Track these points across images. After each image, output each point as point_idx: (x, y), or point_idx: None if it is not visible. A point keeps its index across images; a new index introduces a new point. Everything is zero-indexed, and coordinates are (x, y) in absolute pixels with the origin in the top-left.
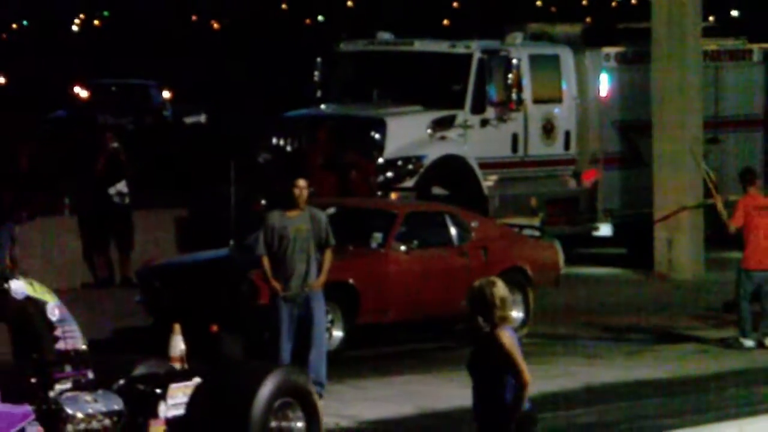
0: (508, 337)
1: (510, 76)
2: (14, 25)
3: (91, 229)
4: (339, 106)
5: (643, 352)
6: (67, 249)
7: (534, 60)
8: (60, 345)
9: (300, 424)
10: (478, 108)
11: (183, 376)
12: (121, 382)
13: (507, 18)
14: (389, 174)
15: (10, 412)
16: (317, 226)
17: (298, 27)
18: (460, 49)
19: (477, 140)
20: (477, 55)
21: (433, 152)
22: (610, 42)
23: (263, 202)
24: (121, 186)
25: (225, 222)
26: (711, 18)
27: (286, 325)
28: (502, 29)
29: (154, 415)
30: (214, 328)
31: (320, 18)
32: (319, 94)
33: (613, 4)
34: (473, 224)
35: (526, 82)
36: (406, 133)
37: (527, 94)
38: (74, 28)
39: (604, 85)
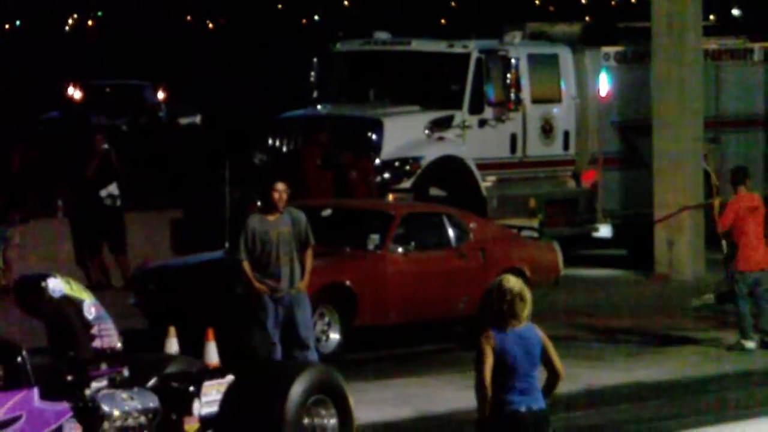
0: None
1: (508, 75)
2: (7, 26)
3: (83, 231)
4: (335, 106)
5: (644, 354)
6: (61, 251)
7: (533, 59)
8: (96, 343)
9: (333, 421)
10: (476, 108)
11: (216, 373)
12: (156, 379)
13: (505, 17)
14: (386, 175)
15: (48, 409)
16: (297, 227)
17: (294, 27)
18: (458, 48)
19: (475, 141)
20: (475, 55)
21: (430, 153)
22: (609, 41)
23: (259, 203)
24: (113, 188)
25: (220, 224)
26: (711, 17)
27: (272, 324)
28: (500, 28)
29: (189, 412)
30: (210, 331)
31: (316, 18)
32: (315, 94)
33: (613, 3)
34: (471, 225)
35: (525, 81)
36: (404, 133)
37: (526, 94)
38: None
39: (604, 84)
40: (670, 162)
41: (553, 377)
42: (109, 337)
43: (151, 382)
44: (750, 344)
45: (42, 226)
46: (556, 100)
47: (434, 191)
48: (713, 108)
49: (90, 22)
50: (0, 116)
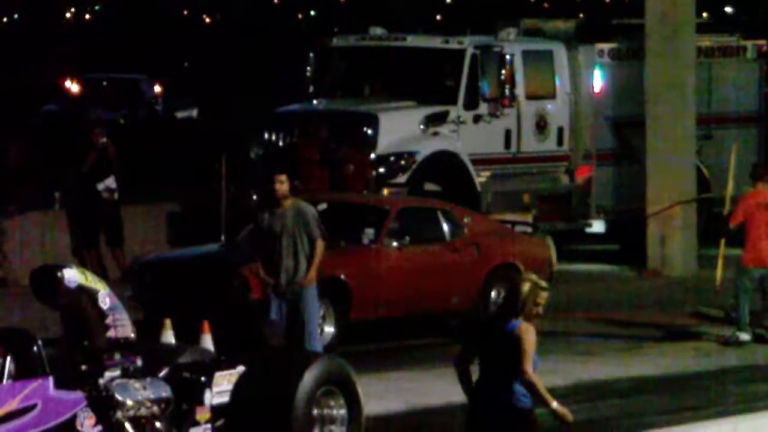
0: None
1: (503, 71)
2: (5, 19)
3: (81, 224)
4: (331, 101)
5: (636, 349)
6: (58, 243)
7: (527, 56)
8: (110, 333)
9: (342, 412)
10: (471, 104)
11: (228, 364)
12: (168, 369)
13: (500, 13)
14: (381, 170)
15: (62, 398)
16: (303, 220)
17: (290, 22)
18: (453, 44)
19: (470, 136)
20: (470, 51)
21: (425, 148)
22: (603, 38)
23: (255, 197)
24: (110, 181)
25: (217, 217)
26: (705, 14)
27: (275, 317)
28: (495, 25)
29: (200, 402)
30: (206, 324)
31: (312, 13)
32: (311, 89)
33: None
34: (465, 220)
35: (519, 77)
36: (399, 128)
37: (520, 90)
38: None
39: (598, 81)
40: (663, 158)
41: None
42: (123, 327)
43: (164, 372)
44: (745, 336)
45: (39, 218)
46: (551, 96)
47: (429, 186)
48: (706, 105)
49: (87, 16)
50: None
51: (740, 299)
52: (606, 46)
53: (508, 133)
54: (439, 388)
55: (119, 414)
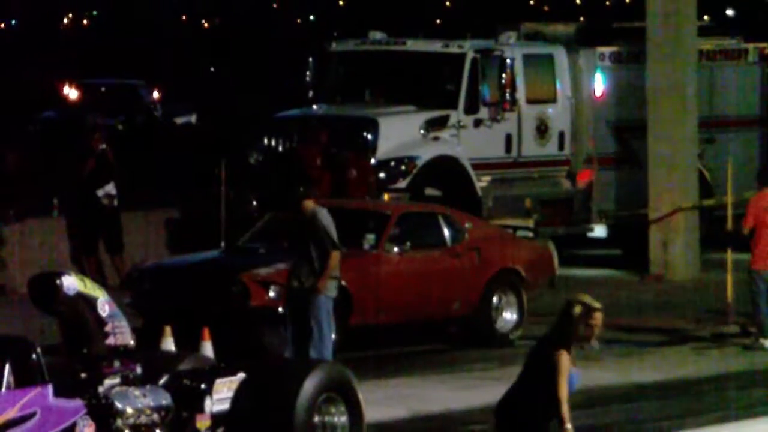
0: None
1: (503, 75)
2: (2, 25)
3: (80, 231)
4: (331, 106)
5: (639, 354)
6: (57, 250)
7: (528, 60)
8: (110, 340)
9: (343, 419)
10: (471, 108)
11: (228, 371)
12: (168, 377)
13: (500, 17)
14: (382, 174)
15: (62, 406)
16: (314, 226)
17: (290, 26)
18: (454, 48)
19: (470, 141)
20: (470, 55)
21: (426, 153)
22: (604, 41)
23: (254, 203)
24: (110, 188)
25: (216, 223)
26: (706, 17)
27: (289, 320)
28: (495, 29)
29: (200, 410)
30: (206, 330)
31: (311, 17)
32: (311, 94)
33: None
34: (467, 225)
35: (520, 81)
36: (399, 133)
37: (521, 94)
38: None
39: (599, 84)
40: (664, 162)
41: None
42: (122, 334)
43: (164, 380)
44: None
45: (38, 224)
46: (551, 100)
47: (430, 191)
48: (708, 108)
49: (85, 22)
50: None
51: (758, 305)
52: (607, 50)
53: (508, 138)
54: (441, 395)
55: (119, 422)
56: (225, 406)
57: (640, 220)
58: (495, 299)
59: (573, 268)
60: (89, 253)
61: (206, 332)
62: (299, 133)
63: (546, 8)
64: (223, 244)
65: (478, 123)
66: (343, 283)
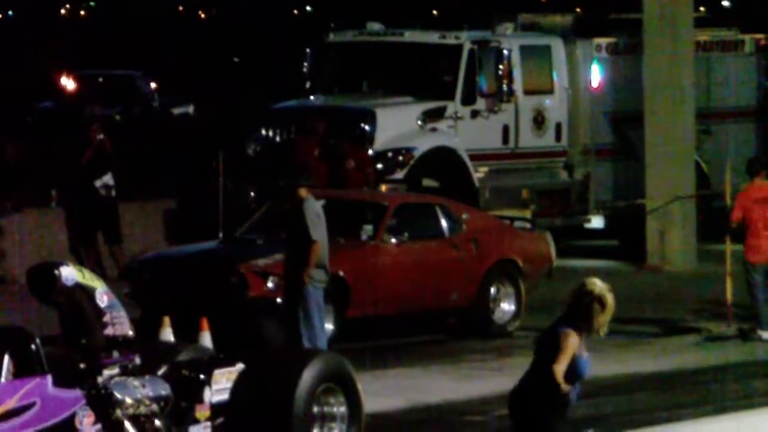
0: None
1: (501, 67)
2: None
3: (78, 222)
4: (328, 97)
5: (637, 345)
6: (55, 241)
7: (525, 51)
8: (108, 331)
9: (342, 409)
10: (468, 99)
11: (227, 362)
12: (167, 367)
13: (497, 8)
14: (379, 166)
15: (61, 396)
16: (302, 218)
17: (287, 17)
18: (451, 39)
19: (467, 132)
20: (467, 46)
21: (423, 144)
22: (601, 32)
23: (252, 194)
24: (108, 178)
25: (214, 214)
26: (702, 8)
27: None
28: (492, 20)
29: (200, 400)
30: (204, 321)
31: (308, 8)
32: (308, 85)
33: None
34: (464, 216)
35: (517, 73)
36: (396, 124)
37: (518, 85)
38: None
39: (596, 76)
40: (661, 153)
41: None
42: (121, 324)
43: (163, 370)
44: (767, 335)
45: (36, 215)
46: (548, 91)
47: (427, 182)
48: (704, 99)
49: (82, 12)
50: None
51: (755, 297)
52: (604, 41)
53: (505, 129)
54: (439, 385)
55: (118, 412)
56: (224, 396)
57: (638, 210)
58: (493, 290)
59: (570, 258)
60: (87, 243)
61: (205, 323)
62: (297, 124)
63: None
64: (221, 234)
65: (475, 114)
66: (341, 274)
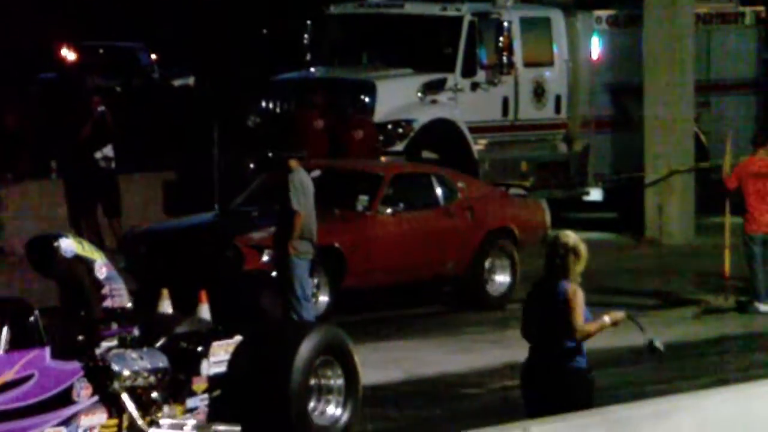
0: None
1: (501, 39)
2: None
3: (77, 193)
4: (329, 69)
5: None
6: (55, 213)
7: (525, 23)
8: (107, 303)
9: (339, 382)
10: (468, 71)
11: (225, 334)
12: (165, 340)
13: None
14: (379, 137)
15: (59, 368)
16: (287, 190)
17: None
18: (451, 11)
19: (467, 104)
20: (468, 18)
21: (423, 116)
22: (601, 5)
23: (252, 165)
24: (108, 150)
25: (211, 186)
26: None
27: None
28: None
29: (197, 372)
30: (203, 294)
31: None
32: (309, 57)
33: None
34: (460, 185)
35: (517, 45)
36: (396, 96)
37: (518, 58)
38: None
39: (596, 48)
40: (661, 126)
41: None
42: (119, 297)
43: (161, 342)
44: (764, 307)
45: (36, 187)
46: (548, 63)
47: (426, 154)
48: (704, 72)
49: None
50: None
51: (754, 269)
52: (604, 13)
53: (505, 101)
54: (436, 358)
55: (116, 384)
56: (222, 368)
57: (636, 183)
58: (488, 260)
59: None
60: (87, 215)
61: (203, 295)
62: (297, 96)
63: None
64: (216, 206)
65: (475, 86)
66: (337, 245)
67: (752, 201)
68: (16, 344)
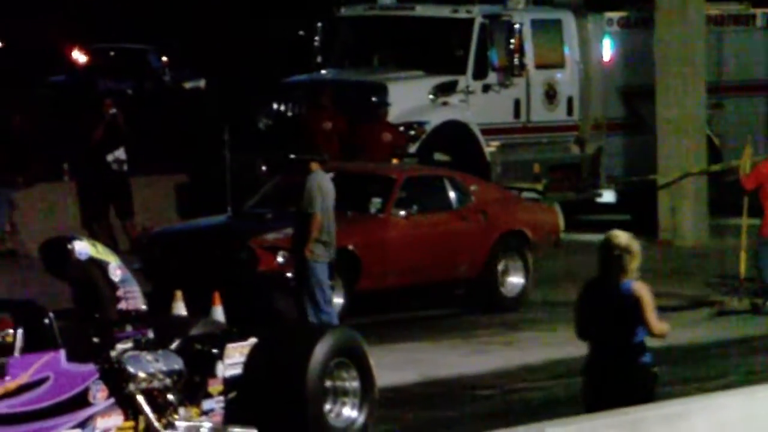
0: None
1: (512, 41)
2: None
3: (90, 196)
4: (340, 71)
5: None
6: (68, 215)
7: (536, 25)
8: (121, 305)
9: (354, 384)
10: (480, 73)
11: (239, 336)
12: (180, 341)
13: None
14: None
15: (74, 371)
16: (304, 192)
17: None
18: (462, 13)
19: (479, 106)
20: (479, 20)
21: (435, 118)
22: (612, 6)
23: (263, 167)
24: (120, 153)
25: (224, 188)
26: None
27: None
28: None
29: (212, 374)
30: (217, 296)
31: None
32: (319, 59)
33: None
34: (473, 188)
35: (529, 47)
36: (408, 98)
37: (529, 60)
38: None
39: (607, 50)
40: (673, 127)
41: None
42: (134, 299)
43: (176, 344)
44: None
45: (49, 189)
46: (560, 65)
47: (438, 156)
48: (716, 74)
49: None
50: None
51: (765, 271)
52: (615, 15)
53: (517, 103)
54: (451, 359)
55: (132, 386)
56: (237, 370)
57: (649, 185)
58: (501, 262)
59: (582, 233)
60: (100, 218)
61: (217, 297)
62: (308, 98)
63: None
64: (229, 209)
65: (486, 88)
66: (351, 247)
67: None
68: (31, 347)
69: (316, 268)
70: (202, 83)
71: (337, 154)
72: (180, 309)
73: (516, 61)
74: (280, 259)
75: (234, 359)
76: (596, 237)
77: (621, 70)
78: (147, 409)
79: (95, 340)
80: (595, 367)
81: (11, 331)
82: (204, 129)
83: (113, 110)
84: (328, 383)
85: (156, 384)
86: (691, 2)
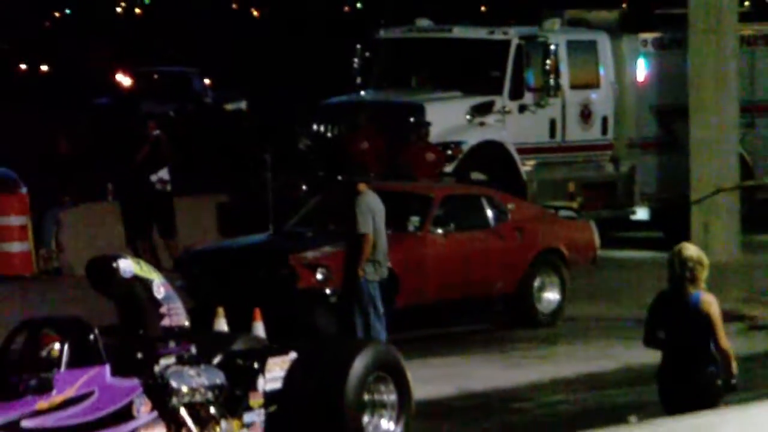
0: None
1: (548, 62)
2: (57, 14)
3: (134, 215)
4: (379, 92)
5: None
6: (112, 234)
7: (571, 46)
8: (165, 321)
9: (392, 397)
10: (516, 94)
11: (280, 351)
12: (222, 357)
13: (545, 4)
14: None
15: (119, 385)
16: (352, 211)
17: (338, 14)
18: (499, 35)
19: (515, 126)
20: (515, 42)
21: (471, 138)
22: (647, 27)
23: (304, 187)
24: (163, 173)
25: (265, 208)
26: (747, 3)
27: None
28: (539, 15)
29: (254, 388)
30: (258, 312)
31: (359, 5)
32: (359, 80)
33: None
34: (509, 206)
35: (564, 67)
36: (445, 118)
37: (565, 80)
38: (116, 16)
39: (641, 70)
40: (706, 146)
41: None
42: (177, 315)
43: (217, 359)
44: None
45: (93, 209)
46: (595, 85)
47: (475, 175)
48: (749, 93)
49: (138, 10)
50: (51, 103)
51: None
52: (649, 36)
53: (552, 123)
54: (487, 373)
55: (174, 400)
56: (277, 384)
57: (682, 202)
58: (538, 279)
59: (616, 250)
60: (143, 236)
61: (258, 313)
62: (347, 119)
63: None
64: (270, 227)
65: (522, 108)
66: (390, 265)
67: None
68: (76, 362)
69: (367, 286)
70: (243, 105)
71: (376, 173)
72: (222, 325)
73: (552, 81)
74: (319, 276)
75: (274, 373)
76: (630, 254)
77: (655, 90)
78: (189, 422)
79: (139, 355)
80: (666, 372)
81: (58, 346)
82: (245, 149)
83: (157, 131)
84: (366, 397)
85: (198, 398)
86: (724, 23)
